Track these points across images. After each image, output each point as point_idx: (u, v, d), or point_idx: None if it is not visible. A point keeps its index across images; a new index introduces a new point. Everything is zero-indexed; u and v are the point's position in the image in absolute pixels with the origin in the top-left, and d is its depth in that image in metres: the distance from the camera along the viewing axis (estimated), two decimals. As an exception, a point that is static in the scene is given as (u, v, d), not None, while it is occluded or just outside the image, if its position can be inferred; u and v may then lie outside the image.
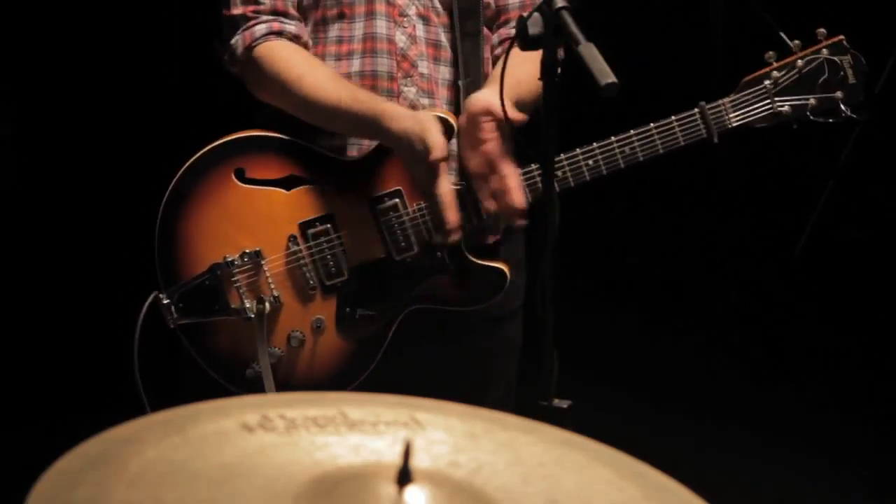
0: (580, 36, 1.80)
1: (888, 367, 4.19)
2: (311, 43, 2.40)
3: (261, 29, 2.36)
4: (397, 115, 2.28)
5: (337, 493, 1.06)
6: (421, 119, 2.28)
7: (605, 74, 1.76)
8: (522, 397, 2.51)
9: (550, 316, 1.87)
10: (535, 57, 1.87)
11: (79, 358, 3.94)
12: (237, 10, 2.37)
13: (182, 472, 1.06)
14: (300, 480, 1.07)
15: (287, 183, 2.34)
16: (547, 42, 1.85)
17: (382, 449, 1.14)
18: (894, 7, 3.81)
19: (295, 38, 2.38)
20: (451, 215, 2.28)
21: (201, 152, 2.35)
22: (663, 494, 1.15)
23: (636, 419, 3.87)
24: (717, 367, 4.35)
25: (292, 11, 2.39)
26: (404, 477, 1.06)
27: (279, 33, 2.36)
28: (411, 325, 2.39)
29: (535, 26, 1.86)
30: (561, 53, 1.90)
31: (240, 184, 2.33)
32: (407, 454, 1.06)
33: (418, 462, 1.08)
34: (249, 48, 2.36)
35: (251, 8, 2.36)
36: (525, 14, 1.88)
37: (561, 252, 1.86)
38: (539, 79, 1.89)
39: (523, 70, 2.20)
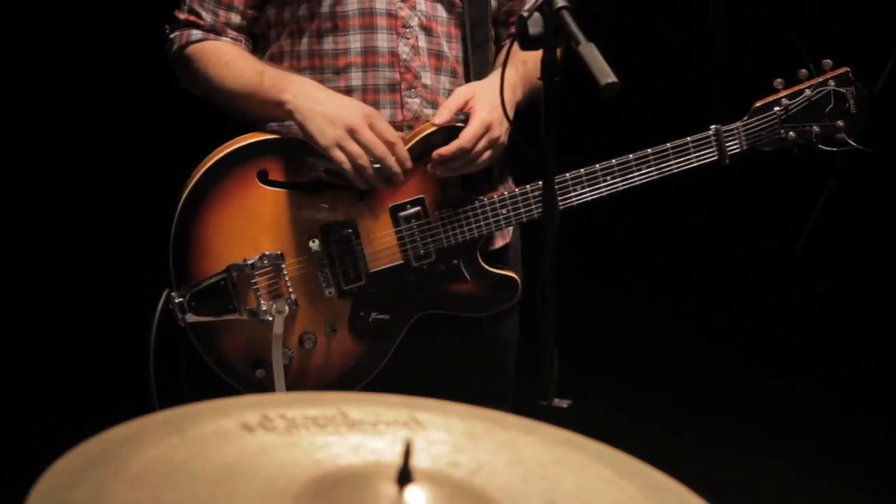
0: (580, 36, 1.80)
1: (889, 367, 4.19)
2: (286, 57, 2.42)
3: (197, 34, 2.43)
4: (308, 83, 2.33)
5: (337, 493, 1.06)
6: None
7: (605, 74, 1.76)
8: (522, 397, 2.52)
9: (550, 315, 1.87)
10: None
11: (78, 357, 3.94)
12: (181, 16, 2.45)
13: (182, 472, 1.06)
14: (300, 480, 1.07)
15: (309, 187, 2.35)
16: (547, 42, 1.85)
17: (382, 449, 1.14)
18: (894, 7, 3.81)
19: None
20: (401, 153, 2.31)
21: (225, 152, 2.35)
22: (663, 494, 1.15)
23: (637, 419, 3.88)
24: (717, 367, 4.35)
25: (231, 33, 2.43)
26: (404, 477, 1.06)
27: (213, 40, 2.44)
28: (411, 325, 2.40)
29: (535, 26, 1.86)
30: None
31: (262, 185, 2.33)
32: (407, 454, 1.06)
33: (418, 462, 1.08)
34: (183, 46, 2.43)
35: (192, 18, 2.43)
36: (525, 13, 1.88)
37: (560, 251, 1.86)
38: (539, 78, 1.90)
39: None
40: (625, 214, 4.25)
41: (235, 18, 2.42)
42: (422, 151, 2.35)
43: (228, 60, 2.39)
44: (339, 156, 2.28)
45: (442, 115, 2.32)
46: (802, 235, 4.26)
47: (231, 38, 2.43)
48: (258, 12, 2.43)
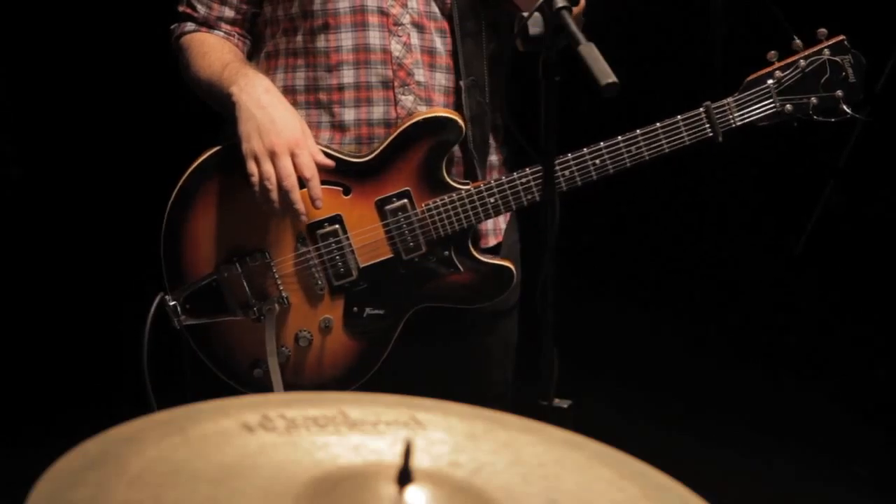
0: (580, 36, 1.80)
1: (888, 366, 4.19)
2: (281, 54, 2.42)
3: (190, 26, 2.46)
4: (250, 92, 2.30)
5: (337, 493, 1.06)
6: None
7: (605, 74, 1.76)
8: (522, 397, 2.52)
9: (551, 315, 1.87)
10: None
11: (79, 358, 3.94)
12: (181, 7, 2.47)
13: (182, 472, 1.06)
14: (300, 480, 1.07)
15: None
16: (547, 42, 1.85)
17: (383, 449, 1.14)
18: (894, 7, 3.81)
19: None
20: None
21: (210, 153, 2.35)
22: (663, 494, 1.15)
23: (637, 419, 3.88)
24: (717, 367, 4.35)
25: (224, 27, 2.44)
26: (404, 477, 1.06)
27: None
28: (410, 325, 2.40)
29: (535, 26, 1.86)
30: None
31: (248, 185, 2.33)
32: (407, 454, 1.06)
33: (418, 462, 1.08)
34: (178, 37, 2.46)
35: (188, 10, 2.46)
36: (526, 13, 1.88)
37: (560, 250, 1.86)
38: (539, 77, 1.89)
39: None
40: (625, 215, 4.25)
41: (229, 13, 2.43)
42: (405, 143, 2.34)
43: (206, 51, 2.41)
44: (252, 168, 2.26)
45: None
46: (803, 235, 4.26)
47: (224, 31, 2.44)
48: (256, 9, 2.43)
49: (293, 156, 2.26)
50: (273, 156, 2.25)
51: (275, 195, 2.25)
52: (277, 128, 2.26)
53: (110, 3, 3.74)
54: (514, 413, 1.30)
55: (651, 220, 4.36)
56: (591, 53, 1.78)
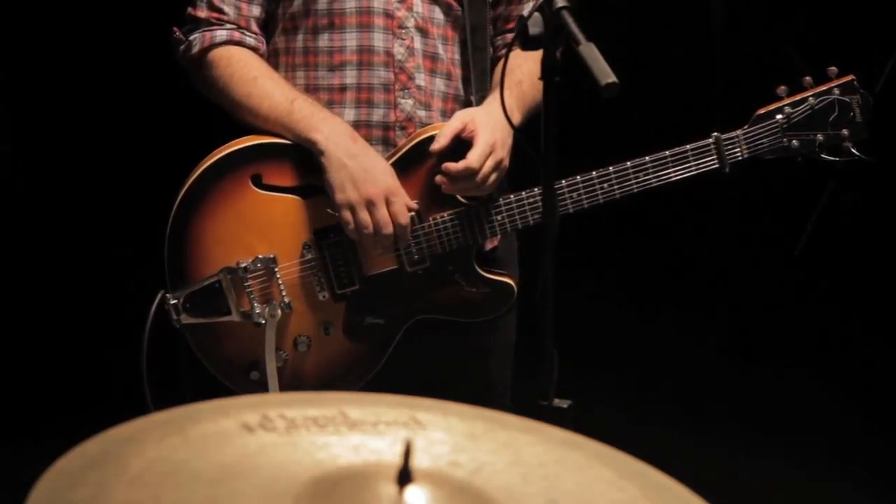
0: (581, 36, 1.80)
1: (888, 366, 4.19)
2: (280, 53, 2.41)
3: (221, 35, 2.38)
4: (331, 151, 2.30)
5: (337, 493, 1.06)
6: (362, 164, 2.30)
7: (605, 74, 1.76)
8: (522, 397, 2.52)
9: (551, 315, 1.87)
10: (535, 55, 1.89)
11: (79, 358, 3.94)
12: (202, 14, 2.40)
13: (182, 472, 1.06)
14: (300, 480, 1.06)
15: (304, 191, 2.35)
16: (547, 42, 1.85)
17: (383, 449, 1.14)
18: (894, 7, 3.81)
19: (253, 50, 2.41)
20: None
21: (219, 156, 2.34)
22: (663, 494, 1.15)
23: (637, 419, 3.88)
24: (717, 367, 4.35)
25: (254, 27, 2.41)
26: (404, 477, 1.06)
27: (238, 43, 2.39)
28: (409, 325, 2.40)
29: (535, 26, 1.86)
30: None
31: (256, 189, 2.33)
32: (407, 454, 1.06)
33: (418, 462, 1.08)
34: (206, 49, 2.38)
35: (215, 15, 2.39)
36: (525, 13, 1.88)
37: (560, 250, 1.87)
38: (539, 78, 1.90)
39: (523, 70, 2.26)
40: (625, 214, 4.25)
41: (256, 10, 2.40)
42: (416, 157, 2.35)
43: (256, 76, 2.36)
44: (347, 217, 2.29)
45: (441, 141, 2.31)
46: (803, 235, 4.26)
47: (253, 36, 2.40)
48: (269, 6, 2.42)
49: (388, 203, 2.28)
50: (370, 205, 2.27)
51: (370, 242, 2.30)
52: (372, 177, 2.28)
53: (111, 2, 3.74)
54: (514, 413, 1.30)
55: (651, 220, 4.35)
56: (591, 53, 1.79)
